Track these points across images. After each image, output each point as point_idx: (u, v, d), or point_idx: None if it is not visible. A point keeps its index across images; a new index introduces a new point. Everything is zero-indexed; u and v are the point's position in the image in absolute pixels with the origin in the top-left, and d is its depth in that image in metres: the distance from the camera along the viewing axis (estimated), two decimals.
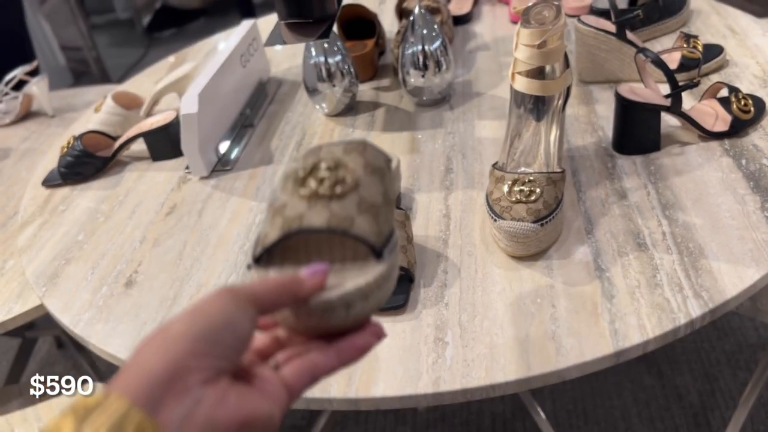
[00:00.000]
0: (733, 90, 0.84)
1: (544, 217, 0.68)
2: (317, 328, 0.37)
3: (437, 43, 0.99)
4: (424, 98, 1.03)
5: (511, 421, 1.31)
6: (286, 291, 0.35)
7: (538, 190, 0.69)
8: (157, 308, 0.74)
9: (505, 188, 0.70)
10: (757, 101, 0.84)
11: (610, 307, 0.63)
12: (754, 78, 0.93)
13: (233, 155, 1.01)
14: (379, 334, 0.37)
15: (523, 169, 0.75)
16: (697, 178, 0.77)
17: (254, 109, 1.12)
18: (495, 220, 0.69)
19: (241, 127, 1.08)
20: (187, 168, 0.99)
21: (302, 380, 0.35)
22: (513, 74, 0.71)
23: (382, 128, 1.01)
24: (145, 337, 0.32)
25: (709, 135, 0.82)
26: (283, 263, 0.40)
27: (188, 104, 0.91)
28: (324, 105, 1.05)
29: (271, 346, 0.38)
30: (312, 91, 1.04)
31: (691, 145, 0.83)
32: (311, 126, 1.05)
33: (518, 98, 0.74)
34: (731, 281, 0.63)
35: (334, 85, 1.02)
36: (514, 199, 0.69)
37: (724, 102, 0.85)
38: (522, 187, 0.70)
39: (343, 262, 0.39)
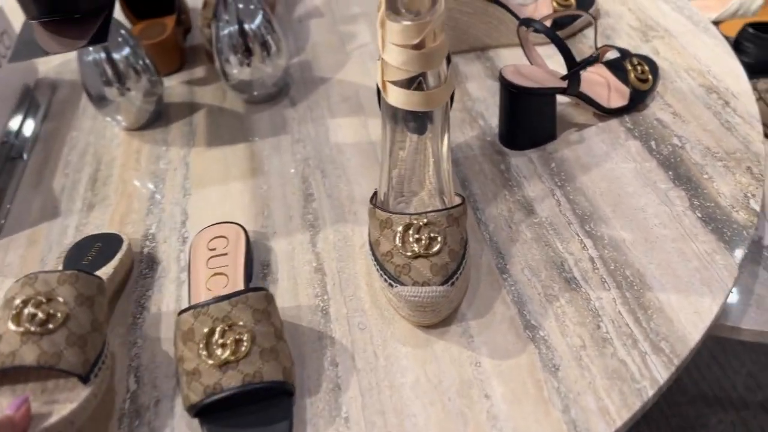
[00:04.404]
0: (626, 55, 0.71)
1: (453, 272, 0.51)
2: None
3: (259, 19, 0.76)
4: (255, 93, 0.80)
5: None
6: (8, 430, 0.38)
7: (439, 237, 0.51)
8: None
9: (396, 238, 0.52)
10: (651, 64, 0.72)
11: (558, 386, 0.48)
12: (631, 30, 0.81)
13: None
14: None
15: (412, 204, 0.57)
16: (608, 173, 0.64)
17: (21, 133, 0.82)
18: (392, 286, 0.51)
19: (6, 161, 0.78)
20: None
21: None
22: (384, 83, 0.51)
23: (207, 141, 0.77)
24: None
25: (606, 113, 0.69)
26: (15, 383, 0.45)
27: None
28: (119, 117, 0.78)
29: None
30: (98, 100, 0.76)
31: (589, 127, 0.69)
32: (108, 148, 0.78)
33: (391, 111, 0.55)
34: (688, 319, 0.51)
35: (128, 89, 0.75)
36: (410, 253, 0.51)
37: (613, 66, 0.72)
38: (418, 235, 0.52)
39: (58, 380, 0.45)
